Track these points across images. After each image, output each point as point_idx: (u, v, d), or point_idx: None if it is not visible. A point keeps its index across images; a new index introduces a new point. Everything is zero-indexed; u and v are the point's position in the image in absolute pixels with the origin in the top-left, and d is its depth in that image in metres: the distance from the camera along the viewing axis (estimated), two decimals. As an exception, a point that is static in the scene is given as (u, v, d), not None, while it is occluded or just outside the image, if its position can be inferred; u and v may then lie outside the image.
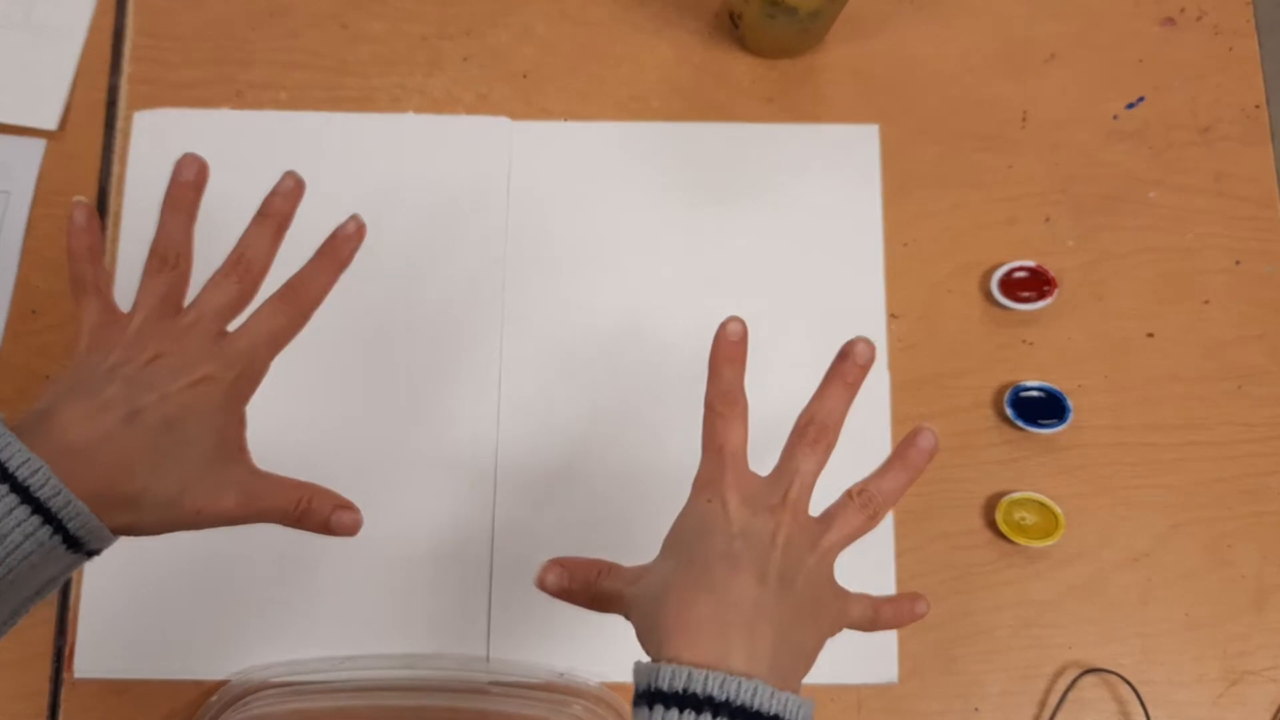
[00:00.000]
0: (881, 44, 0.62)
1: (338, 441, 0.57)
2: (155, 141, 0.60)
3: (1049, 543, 0.55)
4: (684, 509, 0.42)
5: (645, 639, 0.38)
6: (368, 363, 0.57)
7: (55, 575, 0.39)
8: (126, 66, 0.61)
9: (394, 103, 0.61)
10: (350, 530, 0.44)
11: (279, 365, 0.57)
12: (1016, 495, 0.56)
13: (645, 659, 0.37)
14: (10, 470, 0.36)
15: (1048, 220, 0.60)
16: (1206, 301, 0.59)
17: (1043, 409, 0.56)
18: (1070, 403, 0.56)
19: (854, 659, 0.54)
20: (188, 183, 0.47)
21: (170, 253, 0.45)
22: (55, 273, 0.58)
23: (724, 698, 0.33)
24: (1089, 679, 0.54)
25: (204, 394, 0.41)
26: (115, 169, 0.60)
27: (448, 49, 0.62)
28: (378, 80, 0.61)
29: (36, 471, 0.37)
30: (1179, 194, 0.60)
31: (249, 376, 0.44)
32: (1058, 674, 0.55)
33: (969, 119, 0.61)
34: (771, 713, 0.33)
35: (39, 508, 0.37)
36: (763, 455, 0.56)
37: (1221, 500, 0.56)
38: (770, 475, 0.42)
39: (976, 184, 0.60)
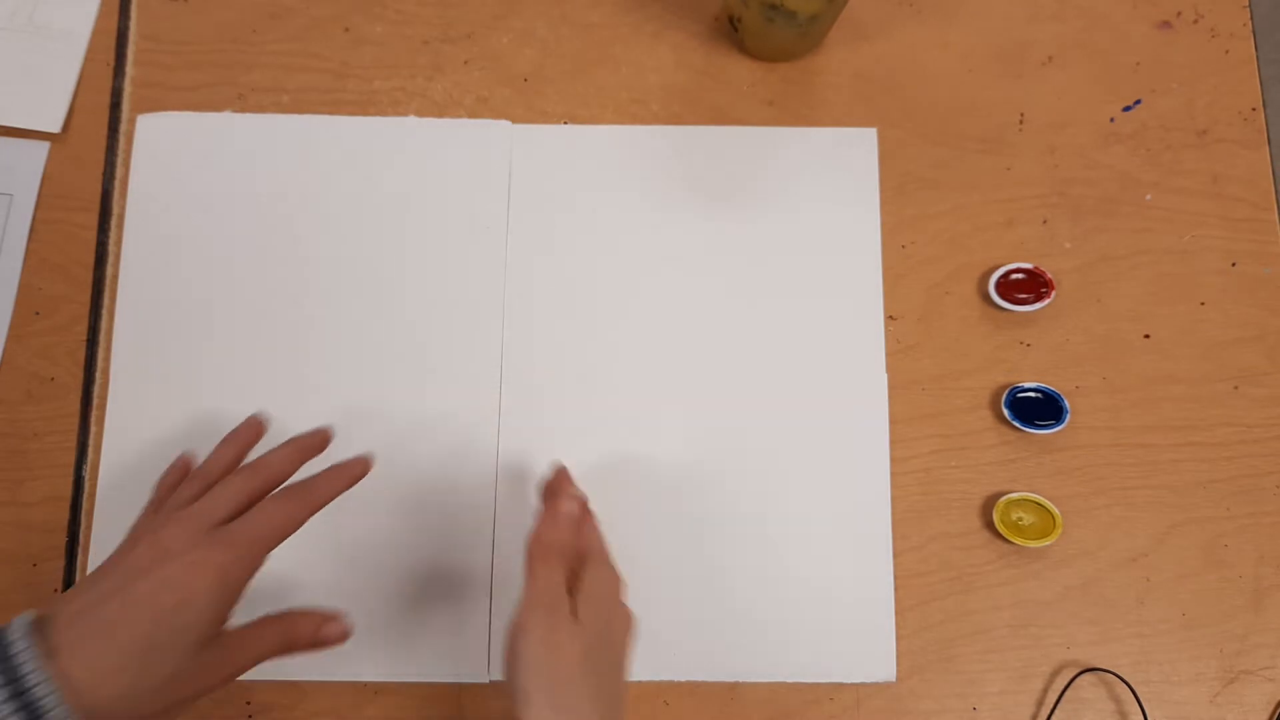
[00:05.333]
0: (880, 47, 0.62)
1: (337, 447, 0.57)
2: (158, 144, 0.60)
3: (1046, 543, 0.55)
4: (515, 643, 0.44)
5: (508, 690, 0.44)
6: (367, 368, 0.58)
7: None
8: (130, 70, 0.62)
9: (395, 106, 0.61)
10: (340, 640, 0.46)
11: (279, 370, 0.57)
12: (1014, 496, 0.56)
13: None
14: (31, 698, 0.37)
15: (1045, 222, 0.60)
16: (1203, 303, 0.59)
17: (1040, 410, 0.57)
18: (1068, 404, 0.57)
19: (853, 658, 0.55)
20: (252, 430, 0.50)
21: (211, 474, 0.47)
22: (58, 275, 0.59)
23: None
24: (1086, 678, 0.55)
25: (198, 577, 0.41)
26: (119, 172, 0.60)
27: (449, 52, 0.62)
28: (379, 83, 0.61)
29: (47, 697, 0.37)
30: (1176, 196, 0.60)
31: (243, 564, 0.43)
32: (1055, 673, 0.55)
33: (967, 121, 0.61)
34: None
35: None
36: (762, 455, 0.56)
37: (1218, 501, 0.57)
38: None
39: (974, 186, 0.60)
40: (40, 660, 0.38)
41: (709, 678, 0.55)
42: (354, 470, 0.48)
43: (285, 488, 0.46)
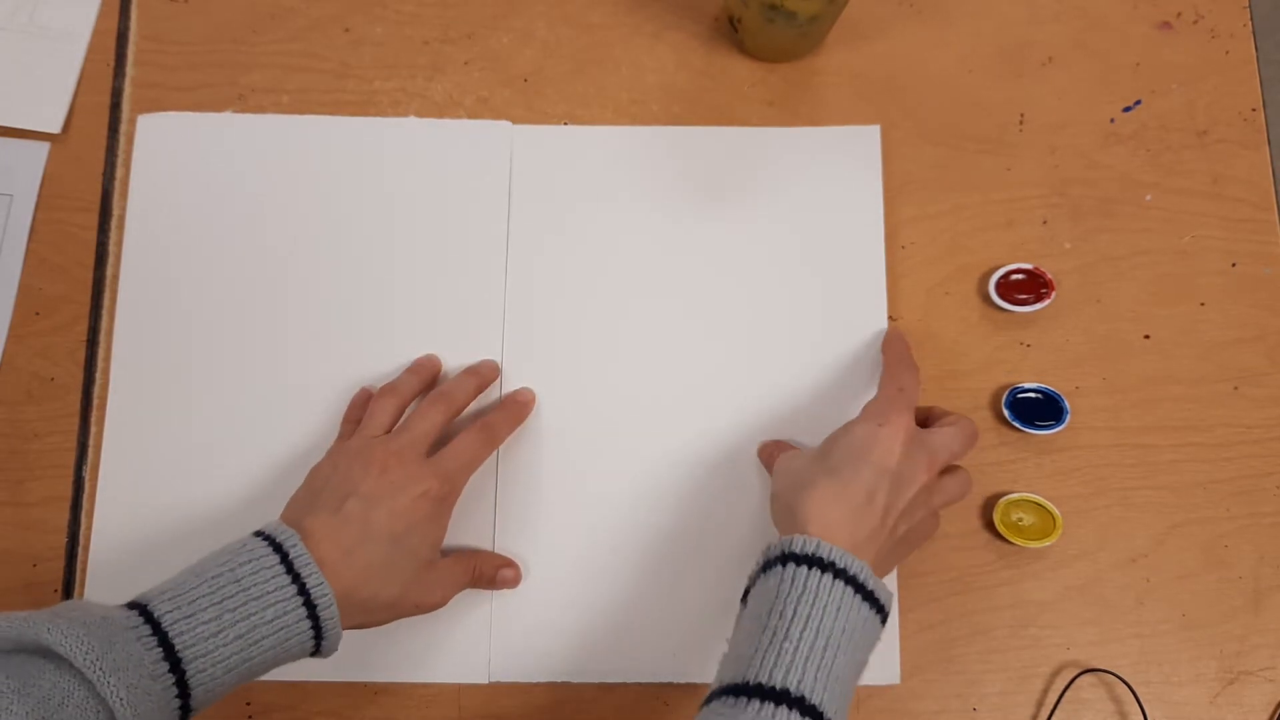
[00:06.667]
0: (880, 47, 0.62)
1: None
2: (158, 145, 0.60)
3: (1046, 543, 0.55)
4: (852, 424, 0.50)
5: (781, 515, 0.50)
6: (367, 367, 0.58)
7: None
8: (130, 70, 0.62)
9: (395, 106, 0.61)
10: (512, 584, 0.54)
11: (279, 370, 0.57)
12: (1014, 496, 0.56)
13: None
14: (312, 598, 0.44)
15: (1045, 223, 0.60)
16: (1203, 303, 0.59)
17: (1040, 410, 0.57)
18: (1068, 404, 0.57)
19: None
20: (434, 363, 0.57)
21: (402, 390, 0.54)
22: (58, 276, 0.59)
23: (842, 565, 0.44)
24: (1086, 679, 0.55)
25: (422, 507, 0.49)
26: (119, 172, 0.60)
27: (449, 53, 0.62)
28: (379, 84, 0.61)
29: (324, 596, 0.45)
30: (1176, 196, 0.60)
31: (454, 493, 0.52)
32: (1055, 674, 0.55)
33: (967, 122, 0.61)
34: (869, 587, 0.44)
35: (316, 625, 0.45)
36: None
37: (1218, 501, 0.57)
38: (927, 432, 0.50)
39: (974, 186, 0.60)
40: (317, 567, 0.45)
41: (710, 679, 0.54)
42: (520, 412, 0.56)
43: (476, 425, 0.53)
